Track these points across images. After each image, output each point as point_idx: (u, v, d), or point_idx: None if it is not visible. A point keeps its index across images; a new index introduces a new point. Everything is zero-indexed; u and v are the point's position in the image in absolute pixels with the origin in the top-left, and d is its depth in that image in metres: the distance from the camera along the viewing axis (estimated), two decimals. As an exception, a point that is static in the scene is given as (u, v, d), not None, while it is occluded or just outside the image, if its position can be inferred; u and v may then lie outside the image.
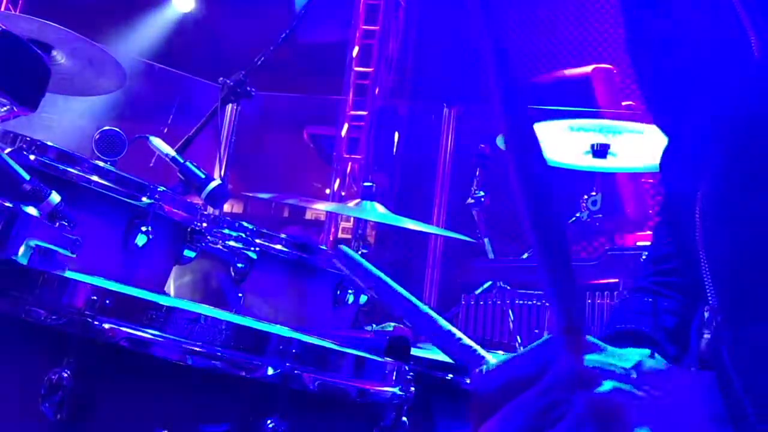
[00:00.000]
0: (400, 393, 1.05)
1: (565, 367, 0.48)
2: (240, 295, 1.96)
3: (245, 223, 1.98)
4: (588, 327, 2.95)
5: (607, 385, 0.47)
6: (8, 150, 1.49)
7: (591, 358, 0.49)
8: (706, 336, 0.57)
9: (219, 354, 0.89)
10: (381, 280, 0.68)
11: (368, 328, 2.29)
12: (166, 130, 5.57)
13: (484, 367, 0.54)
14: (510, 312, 3.12)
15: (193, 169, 1.91)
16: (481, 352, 0.58)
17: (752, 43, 0.72)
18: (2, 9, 5.39)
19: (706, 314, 0.85)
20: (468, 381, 0.56)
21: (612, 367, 0.48)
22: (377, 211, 2.36)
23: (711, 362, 0.50)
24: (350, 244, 2.82)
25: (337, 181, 6.06)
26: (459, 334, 0.60)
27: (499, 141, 3.32)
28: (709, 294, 0.80)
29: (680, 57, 0.88)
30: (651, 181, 4.00)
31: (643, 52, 1.00)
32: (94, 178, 1.57)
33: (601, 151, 3.06)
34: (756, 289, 0.73)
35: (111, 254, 1.61)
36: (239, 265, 1.94)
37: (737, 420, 0.47)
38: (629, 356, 0.50)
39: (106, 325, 0.86)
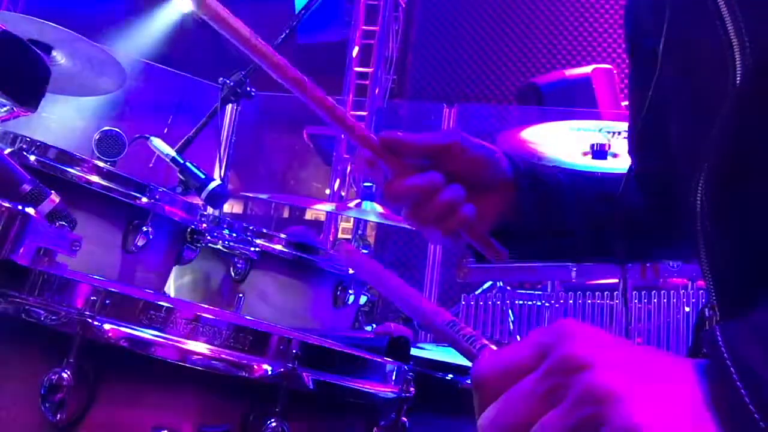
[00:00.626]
0: (400, 393, 1.05)
1: (563, 352, 0.49)
2: (240, 295, 1.96)
3: (245, 223, 1.99)
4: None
5: (607, 369, 0.47)
6: (8, 150, 1.49)
7: (590, 344, 0.49)
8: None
9: (219, 354, 0.89)
10: (383, 273, 0.69)
11: (368, 328, 2.29)
12: (166, 130, 5.57)
13: (486, 355, 0.55)
14: (510, 312, 3.12)
15: (193, 169, 1.92)
16: (485, 342, 0.59)
17: (737, 60, 0.73)
18: (2, 9, 5.39)
19: (707, 311, 0.85)
20: (469, 374, 0.57)
21: (611, 352, 0.49)
22: (377, 211, 2.36)
23: (708, 352, 0.50)
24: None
25: (337, 181, 6.05)
26: (462, 324, 0.61)
27: (499, 141, 3.33)
28: (708, 286, 0.81)
29: (669, 72, 0.89)
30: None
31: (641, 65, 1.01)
32: (94, 178, 1.57)
33: (600, 151, 3.07)
34: (753, 278, 0.74)
35: (111, 254, 1.61)
36: (239, 265, 1.94)
37: (734, 410, 0.46)
38: (627, 343, 0.51)
39: (106, 325, 0.86)
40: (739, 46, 0.73)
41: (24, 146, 1.51)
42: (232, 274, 1.95)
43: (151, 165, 2.02)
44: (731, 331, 0.50)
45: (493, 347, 0.58)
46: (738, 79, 0.72)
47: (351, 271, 2.10)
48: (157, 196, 1.64)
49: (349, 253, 0.75)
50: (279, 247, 2.00)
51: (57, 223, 1.04)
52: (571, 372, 0.48)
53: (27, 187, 1.08)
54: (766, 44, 0.71)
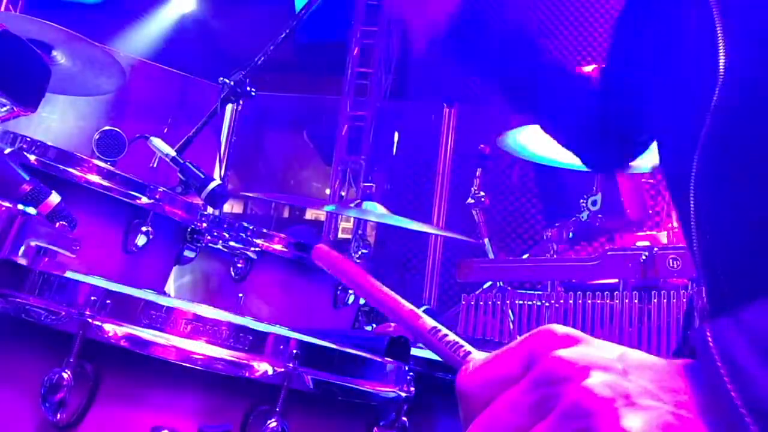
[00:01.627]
0: (400, 393, 1.05)
1: (551, 361, 0.48)
2: (240, 295, 1.96)
3: (245, 223, 1.98)
4: (588, 327, 2.95)
5: (594, 377, 0.46)
6: (8, 150, 1.49)
7: (576, 351, 0.48)
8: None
9: (219, 354, 0.89)
10: (362, 277, 0.67)
11: (368, 328, 2.29)
12: (166, 130, 5.57)
13: (470, 364, 0.53)
14: (510, 312, 3.12)
15: (193, 169, 1.92)
16: (468, 348, 0.57)
17: (721, 53, 0.74)
18: (2, 9, 5.39)
19: (697, 300, 0.85)
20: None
21: (597, 359, 0.48)
22: (377, 211, 2.36)
23: (698, 351, 0.49)
24: (350, 245, 2.82)
25: (337, 181, 6.05)
26: (444, 330, 0.59)
27: (499, 141, 3.32)
28: (700, 279, 0.81)
29: (659, 65, 0.90)
30: (651, 181, 4.00)
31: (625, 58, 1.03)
32: (94, 178, 1.57)
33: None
34: (742, 271, 0.74)
35: (111, 254, 1.62)
36: (239, 265, 1.94)
37: (724, 412, 0.46)
38: (613, 348, 0.50)
39: (106, 326, 0.86)
40: (723, 34, 0.74)
41: (24, 146, 1.51)
42: (232, 274, 1.95)
43: (151, 165, 2.02)
44: (721, 330, 0.49)
45: (477, 354, 0.56)
46: (722, 70, 0.73)
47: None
48: (157, 196, 1.64)
49: (326, 256, 0.72)
50: (279, 247, 2.00)
51: (57, 223, 1.05)
52: (558, 382, 0.47)
53: (27, 187, 1.08)
54: (750, 34, 0.72)
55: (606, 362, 0.48)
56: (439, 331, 0.59)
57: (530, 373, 0.49)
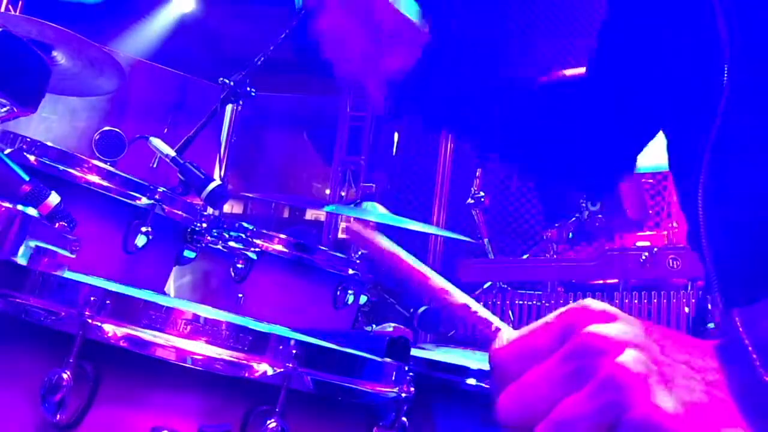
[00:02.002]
0: (400, 393, 1.05)
1: (587, 335, 0.48)
2: (240, 295, 1.96)
3: (245, 223, 1.99)
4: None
5: (629, 353, 0.46)
6: (8, 150, 1.49)
7: (612, 327, 0.49)
8: (710, 326, 0.57)
9: (219, 354, 0.89)
10: (395, 252, 0.67)
11: (368, 328, 2.29)
12: (166, 130, 5.57)
13: (504, 337, 0.54)
14: (510, 312, 3.12)
15: (193, 169, 1.91)
16: (499, 324, 0.58)
17: (726, 54, 0.74)
18: (2, 9, 5.39)
19: (708, 305, 0.86)
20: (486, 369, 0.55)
21: (633, 336, 0.48)
22: (377, 211, 2.36)
23: (725, 335, 0.50)
24: (350, 245, 2.82)
25: (337, 181, 6.05)
26: (475, 306, 0.60)
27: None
28: (711, 277, 0.81)
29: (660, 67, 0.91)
30: (651, 181, 4.00)
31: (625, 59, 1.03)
32: (94, 178, 1.57)
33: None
34: (753, 269, 0.74)
35: (111, 254, 1.62)
36: (239, 265, 1.94)
37: (755, 395, 0.46)
38: (648, 326, 0.50)
39: (106, 325, 0.86)
40: (728, 40, 0.75)
41: (24, 146, 1.51)
42: (232, 274, 1.95)
43: (151, 165, 2.02)
44: (750, 315, 0.50)
45: (510, 329, 0.56)
46: (726, 75, 0.74)
47: (351, 272, 2.10)
48: (157, 196, 1.64)
49: (359, 233, 0.72)
50: (279, 247, 2.00)
51: (57, 224, 1.05)
52: (593, 356, 0.47)
53: (27, 188, 1.08)
54: (756, 40, 0.73)
55: (641, 339, 0.48)
56: (471, 306, 0.60)
57: (566, 345, 0.49)
